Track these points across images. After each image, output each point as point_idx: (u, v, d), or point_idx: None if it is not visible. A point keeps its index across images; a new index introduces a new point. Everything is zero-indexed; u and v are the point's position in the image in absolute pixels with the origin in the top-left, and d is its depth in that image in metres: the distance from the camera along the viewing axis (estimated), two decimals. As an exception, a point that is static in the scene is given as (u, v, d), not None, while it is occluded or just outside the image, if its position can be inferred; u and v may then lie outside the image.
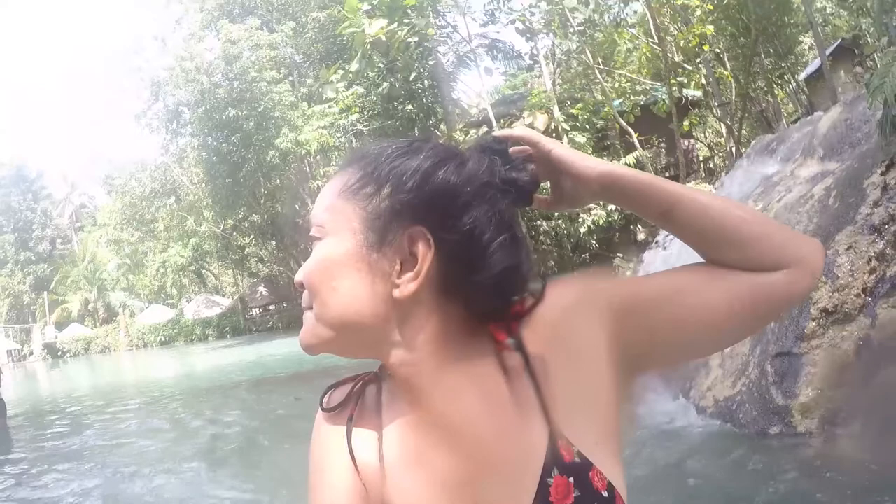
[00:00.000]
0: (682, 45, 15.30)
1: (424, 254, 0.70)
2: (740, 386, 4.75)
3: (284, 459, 6.38)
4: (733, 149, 14.94)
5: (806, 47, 19.59)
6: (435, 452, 0.72)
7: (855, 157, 5.07)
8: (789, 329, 4.42)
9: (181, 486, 6.29)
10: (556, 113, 18.18)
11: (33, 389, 21.93)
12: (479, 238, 0.70)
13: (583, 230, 17.71)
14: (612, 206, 17.42)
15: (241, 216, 30.58)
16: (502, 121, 18.85)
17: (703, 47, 15.05)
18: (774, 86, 17.81)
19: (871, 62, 15.03)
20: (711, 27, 14.41)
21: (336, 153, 23.57)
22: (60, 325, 46.15)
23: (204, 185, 30.18)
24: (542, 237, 18.16)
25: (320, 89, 24.71)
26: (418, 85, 23.14)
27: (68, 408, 13.74)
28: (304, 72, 28.84)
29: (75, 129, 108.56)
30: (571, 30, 16.74)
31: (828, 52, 14.50)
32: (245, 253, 36.19)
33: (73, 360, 39.92)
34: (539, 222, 18.01)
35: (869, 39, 16.78)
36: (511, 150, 0.78)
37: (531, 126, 17.43)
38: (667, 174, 17.49)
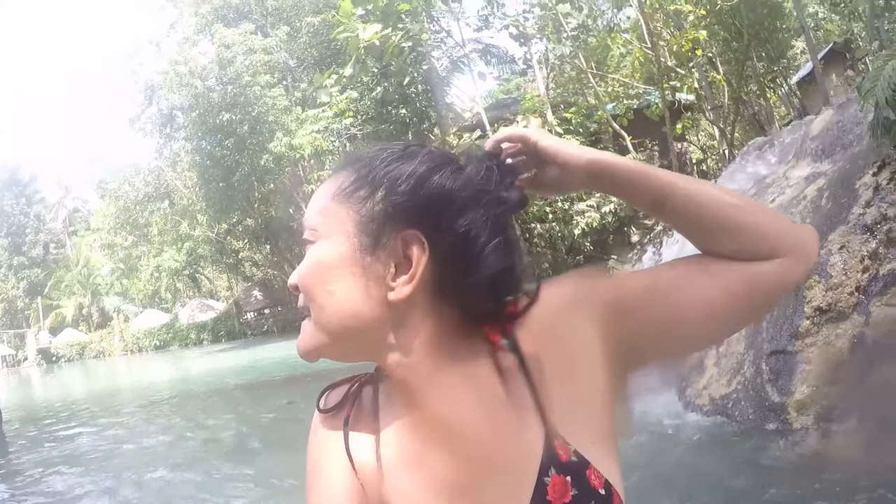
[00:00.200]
0: (674, 49, 15.38)
1: (419, 257, 0.70)
2: (736, 384, 4.79)
3: (277, 465, 6.39)
4: (726, 152, 15.03)
5: (798, 51, 19.74)
6: (432, 453, 0.72)
7: (847, 158, 5.14)
8: (784, 327, 4.47)
9: (178, 489, 6.30)
10: (550, 117, 18.23)
11: (28, 395, 21.78)
12: (473, 241, 0.70)
13: (577, 232, 17.74)
14: (606, 209, 17.52)
15: (235, 220, 30.46)
16: (496, 125, 18.89)
17: (696, 52, 15.13)
18: (767, 89, 17.95)
19: (862, 66, 15.17)
20: (704, 32, 14.49)
21: (330, 157, 23.55)
22: (55, 330, 45.83)
23: (198, 189, 30.05)
24: (536, 240, 18.17)
25: (314, 93, 24.69)
26: (412, 89, 23.15)
27: (63, 413, 13.67)
28: (298, 76, 28.83)
29: (69, 134, 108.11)
30: (565, 35, 16.82)
31: (820, 55, 14.62)
32: (239, 257, 36.10)
33: (67, 366, 39.63)
34: (533, 225, 18.03)
35: (860, 43, 16.95)
36: (497, 143, 0.78)
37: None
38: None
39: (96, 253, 44.22)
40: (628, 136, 17.03)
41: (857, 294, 4.22)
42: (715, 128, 16.95)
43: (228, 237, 33.47)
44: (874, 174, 4.50)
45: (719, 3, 14.29)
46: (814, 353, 4.25)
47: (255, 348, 25.21)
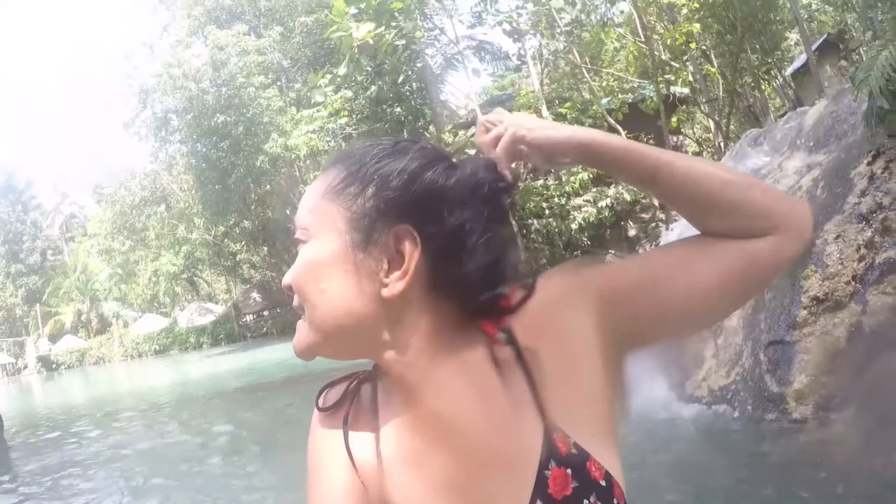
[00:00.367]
0: (668, 43, 15.38)
1: (411, 252, 0.70)
2: (734, 375, 4.80)
3: (278, 466, 6.40)
4: (721, 144, 15.03)
5: (792, 43, 19.74)
6: (432, 449, 0.72)
7: (841, 148, 5.15)
8: (781, 317, 4.48)
9: (177, 492, 6.31)
10: (545, 112, 18.23)
11: (29, 403, 21.77)
12: (466, 234, 0.70)
13: (574, 227, 17.76)
14: (602, 204, 17.53)
15: (232, 222, 30.44)
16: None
17: (690, 45, 15.13)
18: (761, 81, 17.92)
19: (856, 56, 15.17)
20: (698, 25, 14.49)
21: (325, 157, 23.52)
22: (54, 338, 45.73)
23: (194, 192, 30.03)
24: (533, 235, 18.18)
25: (308, 94, 24.69)
26: (406, 87, 23.14)
27: (64, 420, 13.68)
28: (293, 76, 28.81)
29: (64, 139, 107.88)
30: (558, 30, 16.81)
31: (814, 47, 14.61)
32: (237, 259, 36.03)
33: (67, 373, 39.59)
34: (530, 221, 18.04)
35: (854, 34, 16.94)
36: (490, 146, 0.78)
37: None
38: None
39: (94, 259, 44.15)
40: (624, 130, 16.98)
41: (853, 283, 4.23)
42: (710, 121, 16.95)
43: (226, 240, 33.43)
44: (869, 163, 4.50)
45: (712, -5, 14.29)
46: (812, 343, 4.26)
47: (255, 350, 25.22)
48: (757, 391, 4.49)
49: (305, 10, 27.22)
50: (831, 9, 19.04)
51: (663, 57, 16.19)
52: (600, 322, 0.73)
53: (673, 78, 16.37)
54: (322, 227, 0.73)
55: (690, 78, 16.35)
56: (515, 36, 18.35)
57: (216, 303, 43.47)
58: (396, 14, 16.21)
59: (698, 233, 0.78)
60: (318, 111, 23.46)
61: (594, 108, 17.48)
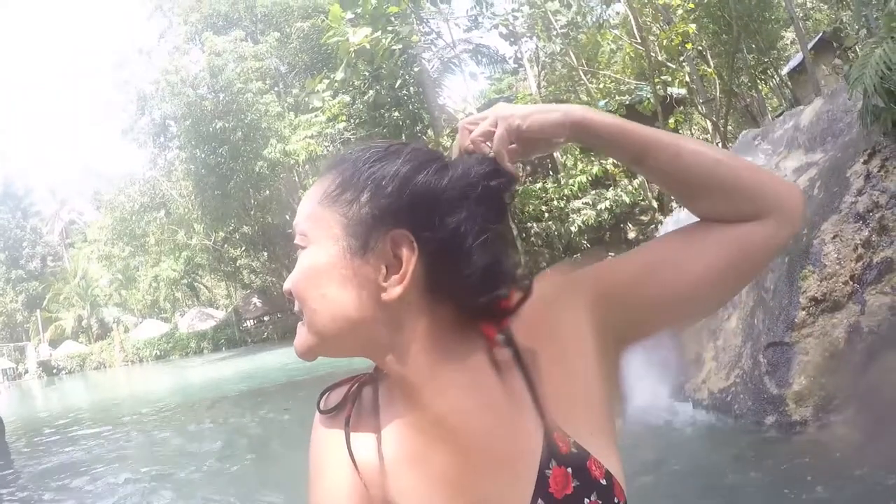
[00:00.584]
0: (664, 44, 15.39)
1: (408, 256, 0.70)
2: (734, 377, 4.79)
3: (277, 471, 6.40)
4: (719, 144, 15.04)
5: (788, 42, 19.74)
6: (434, 450, 0.72)
7: (837, 147, 5.14)
8: (780, 319, 4.47)
9: (175, 495, 6.32)
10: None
11: (30, 407, 21.80)
12: (462, 236, 0.70)
13: (573, 230, 17.76)
14: (602, 206, 17.53)
15: (231, 228, 30.45)
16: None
17: (686, 45, 15.14)
18: (758, 81, 17.96)
19: (852, 54, 15.17)
20: (693, 25, 14.49)
21: (324, 162, 23.49)
22: (54, 343, 45.72)
23: (193, 197, 30.01)
24: (532, 238, 18.19)
25: (306, 99, 24.73)
26: (404, 92, 23.15)
27: (64, 424, 13.67)
28: (290, 82, 28.84)
29: (63, 146, 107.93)
30: (555, 32, 16.84)
31: (810, 45, 14.62)
32: (237, 265, 36.04)
33: (68, 378, 39.60)
34: (530, 224, 18.05)
35: (850, 32, 16.94)
36: (479, 141, 0.76)
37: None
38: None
39: (94, 264, 44.02)
40: (621, 131, 17.00)
41: (851, 283, 4.22)
42: (708, 121, 16.95)
43: (226, 245, 33.44)
44: (865, 162, 4.50)
45: (707, -5, 14.31)
46: (810, 344, 4.25)
47: (255, 356, 25.21)
48: (756, 393, 4.48)
49: (302, 16, 27.29)
50: (826, 6, 19.06)
51: (660, 58, 16.21)
52: (596, 319, 0.74)
53: (670, 79, 16.39)
54: (320, 233, 0.74)
55: (687, 79, 16.37)
56: (512, 39, 18.37)
57: (216, 308, 43.41)
58: (393, 18, 16.21)
59: (694, 222, 0.79)
60: (316, 116, 23.48)
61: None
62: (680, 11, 14.79)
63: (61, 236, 55.55)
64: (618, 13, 18.13)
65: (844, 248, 4.30)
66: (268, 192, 26.92)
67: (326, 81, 22.31)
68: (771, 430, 4.28)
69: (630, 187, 17.83)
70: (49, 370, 43.32)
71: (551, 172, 19.46)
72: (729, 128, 15.65)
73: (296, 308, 0.76)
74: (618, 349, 0.76)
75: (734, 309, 5.10)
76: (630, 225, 18.44)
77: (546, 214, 18.04)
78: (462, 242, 0.70)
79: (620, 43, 17.96)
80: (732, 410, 4.69)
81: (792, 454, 3.98)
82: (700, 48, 16.42)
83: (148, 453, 9.00)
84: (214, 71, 24.72)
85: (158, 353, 39.12)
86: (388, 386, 0.78)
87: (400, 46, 17.32)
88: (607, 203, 17.44)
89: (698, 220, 0.78)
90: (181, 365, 31.01)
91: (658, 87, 15.39)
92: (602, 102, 17.75)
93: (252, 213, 28.65)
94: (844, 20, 17.28)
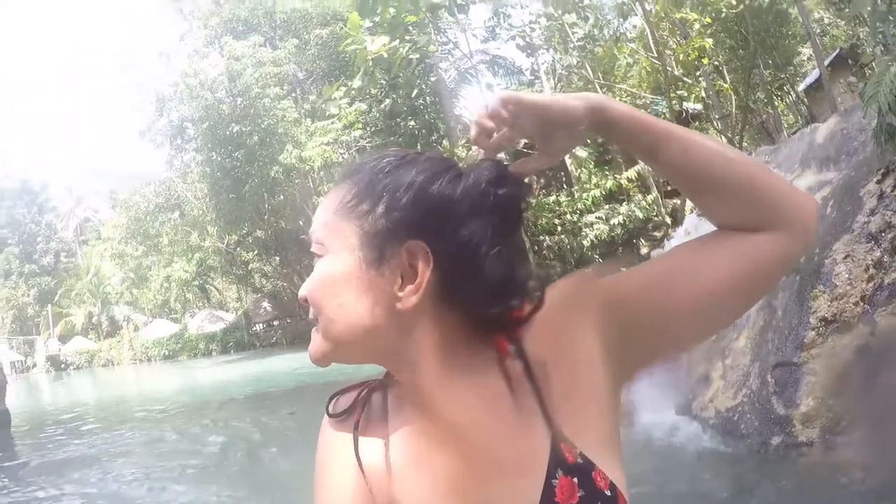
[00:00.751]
0: (681, 58, 15.38)
1: (423, 267, 0.70)
2: (741, 397, 4.74)
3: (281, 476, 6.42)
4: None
5: (805, 58, 19.61)
6: (441, 457, 0.73)
7: (851, 166, 5.10)
8: (789, 338, 4.42)
9: (176, 494, 6.34)
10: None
11: (37, 401, 21.96)
12: (476, 247, 0.70)
13: (586, 244, 17.73)
14: (614, 221, 17.49)
15: (244, 232, 30.61)
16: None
17: (703, 60, 15.13)
18: (774, 97, 17.88)
19: (868, 71, 15.06)
20: (710, 40, 14.48)
21: (339, 169, 23.55)
22: (64, 338, 46.16)
23: (208, 200, 30.19)
24: (544, 251, 18.17)
25: (323, 106, 24.86)
26: (420, 101, 23.24)
27: (70, 419, 13.77)
28: (307, 88, 29.00)
29: (80, 144, 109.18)
30: (571, 45, 16.88)
31: (826, 62, 14.52)
32: (249, 268, 36.23)
33: (76, 373, 39.94)
34: (542, 237, 18.04)
35: (867, 48, 16.84)
36: (493, 118, 0.73)
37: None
38: (668, 187, 17.53)
39: (106, 262, 44.42)
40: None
41: (862, 304, 4.17)
42: (723, 137, 16.88)
43: (238, 248, 33.62)
44: (878, 181, 4.45)
45: (724, 10, 14.26)
46: (819, 365, 4.20)
47: (264, 360, 25.28)
48: (764, 413, 4.43)
49: (321, 23, 27.45)
50: (843, 23, 18.95)
51: (676, 73, 16.18)
52: (605, 333, 0.74)
53: (686, 94, 16.37)
54: (336, 242, 0.75)
55: (703, 94, 16.34)
56: (528, 51, 18.45)
57: (227, 311, 43.66)
58: (410, 28, 16.33)
59: (706, 234, 0.77)
60: (332, 123, 23.59)
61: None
62: (697, 26, 14.79)
63: (76, 233, 56.14)
64: (635, 27, 18.14)
65: (856, 268, 4.26)
66: (282, 197, 27.04)
67: (343, 89, 22.44)
68: (777, 451, 4.23)
69: (644, 203, 17.79)
70: (57, 365, 43.71)
71: (565, 186, 19.45)
72: (745, 144, 15.58)
73: (310, 315, 0.77)
74: (626, 367, 0.76)
75: (743, 328, 5.06)
76: (643, 240, 18.37)
77: (559, 228, 18.03)
78: (476, 253, 0.70)
79: (637, 57, 17.97)
80: (739, 430, 4.64)
81: (797, 475, 3.93)
82: (716, 63, 16.39)
83: (151, 449, 9.07)
84: (233, 75, 24.91)
85: (167, 353, 39.37)
86: (398, 392, 0.79)
87: (417, 56, 17.44)
88: (620, 218, 17.40)
89: (711, 231, 0.77)
90: (189, 366, 31.16)
91: (674, 101, 15.38)
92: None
93: (266, 217, 28.78)
94: (861, 36, 17.17)
